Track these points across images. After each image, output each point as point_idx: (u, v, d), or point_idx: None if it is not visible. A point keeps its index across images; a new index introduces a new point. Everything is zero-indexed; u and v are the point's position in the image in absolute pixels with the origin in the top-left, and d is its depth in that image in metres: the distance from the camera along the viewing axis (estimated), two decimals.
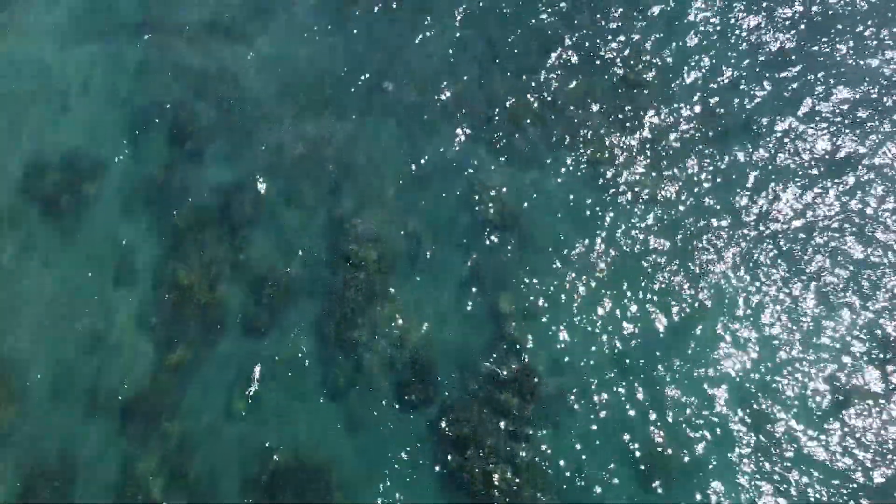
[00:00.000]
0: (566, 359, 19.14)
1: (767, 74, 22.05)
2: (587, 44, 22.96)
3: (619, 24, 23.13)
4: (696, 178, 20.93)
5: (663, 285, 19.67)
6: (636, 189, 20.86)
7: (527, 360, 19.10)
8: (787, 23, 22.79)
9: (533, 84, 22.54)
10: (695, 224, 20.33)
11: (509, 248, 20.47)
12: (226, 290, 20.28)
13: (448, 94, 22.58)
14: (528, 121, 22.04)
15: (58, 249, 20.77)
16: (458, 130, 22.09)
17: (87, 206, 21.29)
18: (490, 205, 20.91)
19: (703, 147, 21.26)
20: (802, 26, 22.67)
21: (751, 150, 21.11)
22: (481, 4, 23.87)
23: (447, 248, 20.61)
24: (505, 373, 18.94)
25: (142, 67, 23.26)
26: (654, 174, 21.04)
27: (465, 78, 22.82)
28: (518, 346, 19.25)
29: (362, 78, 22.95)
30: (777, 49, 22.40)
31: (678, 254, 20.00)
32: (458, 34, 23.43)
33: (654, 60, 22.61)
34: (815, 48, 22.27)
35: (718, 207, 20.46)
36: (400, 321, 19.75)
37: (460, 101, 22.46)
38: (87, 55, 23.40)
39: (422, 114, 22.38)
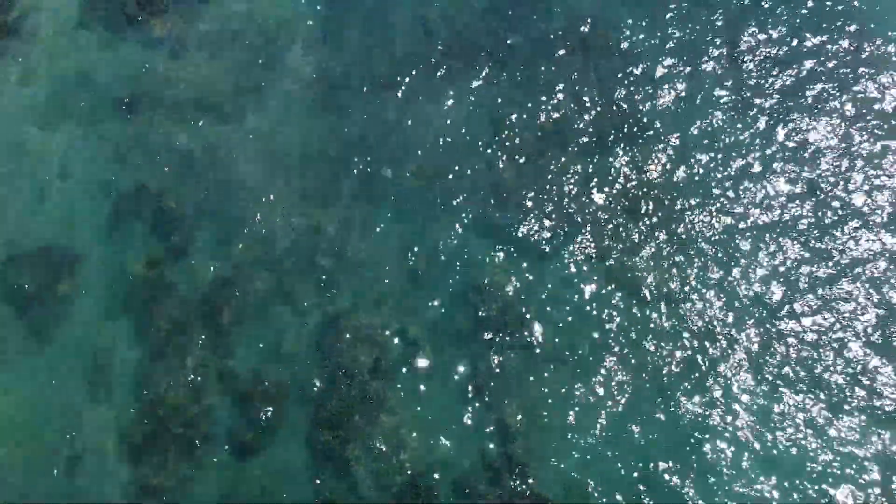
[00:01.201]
0: (577, 477, 17.62)
1: (784, 165, 20.35)
2: (593, 127, 21.33)
3: (628, 104, 21.49)
4: (706, 272, 19.29)
5: (679, 391, 18.09)
6: (645, 283, 19.26)
7: (534, 484, 17.59)
8: (809, 111, 21.06)
9: (538, 168, 20.97)
10: (706, 322, 18.73)
11: (513, 353, 18.94)
12: (211, 401, 18.88)
13: (449, 179, 21.04)
14: (534, 209, 20.46)
15: (30, 356, 19.41)
16: (460, 220, 20.56)
17: (62, 307, 19.92)
18: (493, 303, 19.38)
19: (713, 239, 19.60)
20: (831, 119, 20.95)
21: (764, 244, 19.44)
22: (482, 82, 22.27)
23: (448, 352, 19.11)
24: (513, 499, 17.43)
25: (124, 149, 21.87)
26: (662, 267, 19.43)
27: (467, 162, 21.27)
28: (526, 467, 17.73)
29: (359, 161, 21.45)
30: (798, 139, 20.69)
31: (691, 353, 18.42)
32: (460, 114, 21.88)
33: (665, 145, 20.96)
34: (834, 142, 20.56)
35: (729, 304, 18.81)
36: (398, 435, 18.28)
37: (462, 188, 20.92)
38: (66, 136, 22.04)
39: (421, 201, 20.86)
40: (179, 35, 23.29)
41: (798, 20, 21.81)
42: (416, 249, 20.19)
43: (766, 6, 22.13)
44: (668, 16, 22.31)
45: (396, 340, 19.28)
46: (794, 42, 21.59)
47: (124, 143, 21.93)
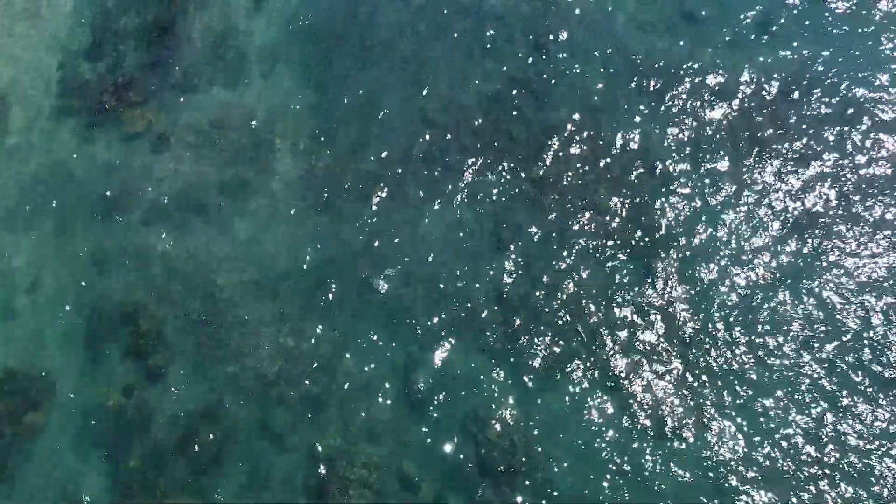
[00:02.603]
0: None
1: (809, 285, 18.46)
2: (600, 229, 19.54)
3: (637, 206, 19.70)
4: (723, 407, 17.45)
5: None
6: (661, 411, 17.47)
7: None
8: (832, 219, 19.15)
9: (543, 278, 19.19)
10: (723, 464, 16.90)
11: (520, 498, 17.17)
12: None
13: (447, 293, 19.30)
14: (540, 327, 18.69)
15: None
16: (460, 338, 18.81)
17: (30, 442, 18.26)
18: (496, 438, 17.62)
19: (732, 366, 17.77)
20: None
21: (786, 370, 17.58)
22: (483, 178, 20.53)
23: (448, 496, 17.36)
24: None
25: (101, 258, 20.24)
26: (679, 399, 17.63)
27: (467, 273, 19.51)
28: None
29: (351, 271, 19.74)
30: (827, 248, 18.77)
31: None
32: (459, 215, 20.14)
33: (679, 252, 19.16)
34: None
35: (747, 448, 16.98)
36: None
37: (462, 301, 19.18)
38: (38, 244, 20.44)
39: (418, 318, 19.12)
40: (160, 129, 21.65)
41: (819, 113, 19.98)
42: (413, 373, 18.45)
43: (784, 102, 20.30)
44: (674, 109, 20.53)
45: (393, 482, 17.54)
46: (813, 142, 19.75)
47: (100, 251, 20.33)
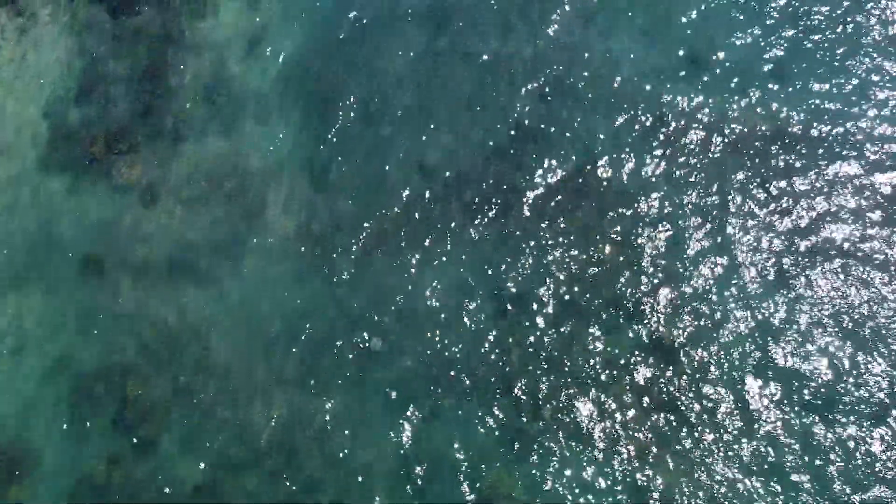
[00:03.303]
0: None
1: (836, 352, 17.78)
2: (609, 292, 18.85)
3: (645, 264, 19.03)
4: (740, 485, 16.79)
5: None
6: (669, 496, 16.79)
7: None
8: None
9: (551, 347, 18.48)
10: None
11: None
12: None
13: (449, 359, 18.58)
14: (548, 402, 17.99)
15: None
16: (462, 410, 18.10)
17: None
18: None
19: (754, 452, 17.05)
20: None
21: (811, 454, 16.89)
22: (486, 234, 19.81)
23: None
24: None
25: (87, 320, 19.48)
26: (692, 480, 16.94)
27: (468, 339, 18.80)
28: None
29: (347, 335, 19.01)
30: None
31: None
32: (461, 275, 19.42)
33: (694, 318, 18.47)
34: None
35: None
36: None
37: (464, 371, 18.46)
38: (22, 305, 19.65)
39: (418, 386, 18.40)
40: (151, 180, 20.89)
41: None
42: (414, 451, 17.73)
43: (797, 152, 19.62)
44: (682, 159, 19.80)
45: None
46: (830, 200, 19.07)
47: (87, 312, 19.57)
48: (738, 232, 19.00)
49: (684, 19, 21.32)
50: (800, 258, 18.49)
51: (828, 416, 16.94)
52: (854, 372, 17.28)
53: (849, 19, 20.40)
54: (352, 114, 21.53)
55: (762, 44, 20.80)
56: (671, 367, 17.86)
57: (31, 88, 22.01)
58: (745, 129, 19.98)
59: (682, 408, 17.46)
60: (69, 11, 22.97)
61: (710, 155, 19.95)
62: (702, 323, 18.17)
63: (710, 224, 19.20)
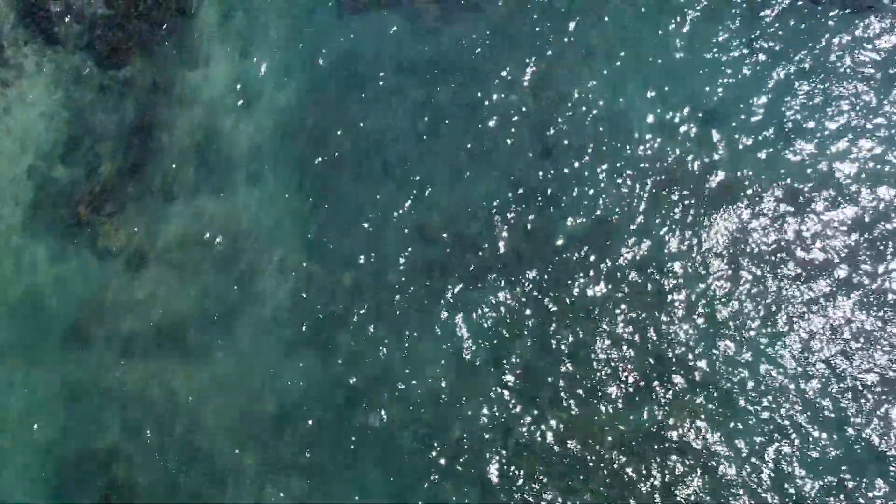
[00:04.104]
0: None
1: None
2: (613, 362, 18.05)
3: (650, 333, 18.20)
4: None
5: None
6: None
7: None
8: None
9: (556, 422, 17.69)
10: None
11: None
12: None
13: (449, 438, 17.79)
14: (555, 483, 17.20)
15: None
16: (465, 490, 17.32)
17: None
18: None
19: None
20: None
21: None
22: (487, 302, 19.01)
23: None
24: None
25: (70, 397, 18.67)
26: None
27: (469, 412, 18.02)
28: None
29: (343, 414, 18.22)
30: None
31: None
32: (458, 347, 18.61)
33: (698, 387, 17.66)
34: None
35: None
36: None
37: (467, 450, 17.67)
38: (1, 380, 18.81)
39: (417, 465, 17.62)
40: (139, 245, 20.05)
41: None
42: None
43: (810, 215, 18.75)
44: (690, 220, 18.97)
45: None
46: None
47: (72, 388, 18.76)
48: (745, 292, 18.19)
49: (694, 74, 20.48)
50: (816, 328, 17.66)
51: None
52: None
53: (868, 76, 19.53)
54: (348, 173, 20.66)
55: (775, 101, 19.94)
56: (685, 456, 17.08)
57: (15, 145, 21.15)
58: (759, 189, 19.18)
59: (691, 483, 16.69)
60: (54, 61, 22.08)
61: (723, 218, 19.15)
62: (710, 393, 17.37)
63: (727, 294, 18.41)
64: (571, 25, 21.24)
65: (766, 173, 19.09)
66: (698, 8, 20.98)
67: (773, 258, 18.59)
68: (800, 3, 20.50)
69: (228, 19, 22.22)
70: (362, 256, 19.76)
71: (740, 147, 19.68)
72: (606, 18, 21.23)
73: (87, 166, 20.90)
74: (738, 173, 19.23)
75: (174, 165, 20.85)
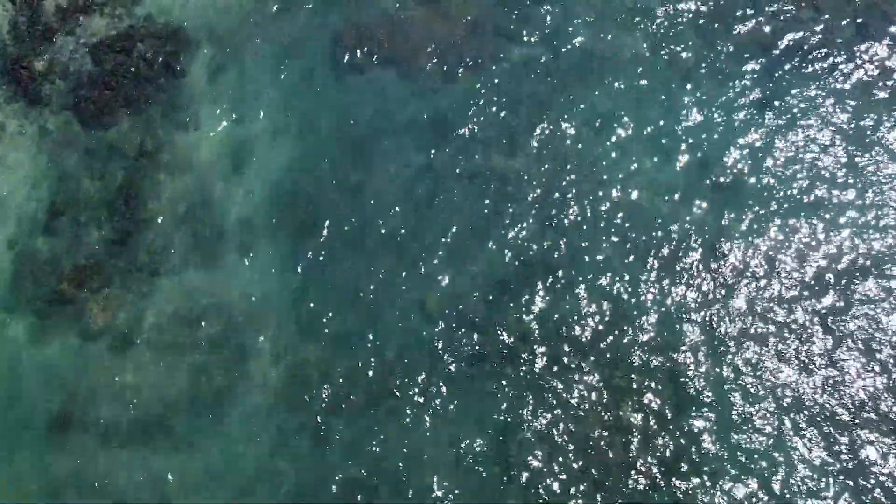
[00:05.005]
0: None
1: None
2: (624, 455, 17.20)
3: (664, 423, 17.35)
4: None
5: None
6: None
7: None
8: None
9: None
10: None
11: None
12: None
13: None
14: None
15: None
16: None
17: None
18: None
19: None
20: None
21: None
22: (488, 387, 18.16)
23: None
24: None
25: (53, 490, 17.78)
26: None
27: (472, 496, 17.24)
28: None
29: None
30: None
31: None
32: (460, 438, 17.77)
33: (711, 482, 16.81)
34: None
35: None
36: None
37: None
38: None
39: None
40: (124, 324, 19.13)
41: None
42: None
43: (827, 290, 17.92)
44: (699, 295, 18.14)
45: None
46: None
47: (52, 480, 17.84)
48: (762, 373, 17.33)
49: (699, 137, 19.70)
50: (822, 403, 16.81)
51: None
52: None
53: (876, 141, 18.75)
54: (344, 245, 19.78)
55: (788, 170, 19.18)
56: None
57: None
58: (771, 254, 18.41)
59: None
60: (38, 122, 21.12)
61: (733, 289, 18.35)
62: (723, 486, 16.53)
63: (727, 364, 17.64)
64: (577, 88, 20.39)
65: (779, 244, 18.35)
66: (707, 71, 20.16)
67: (797, 341, 17.81)
68: (814, 69, 19.71)
69: (220, 78, 21.29)
70: (358, 337, 18.87)
71: (753, 215, 18.90)
72: (614, 81, 20.40)
73: (71, 237, 19.96)
74: (750, 241, 18.48)
75: (162, 237, 19.92)
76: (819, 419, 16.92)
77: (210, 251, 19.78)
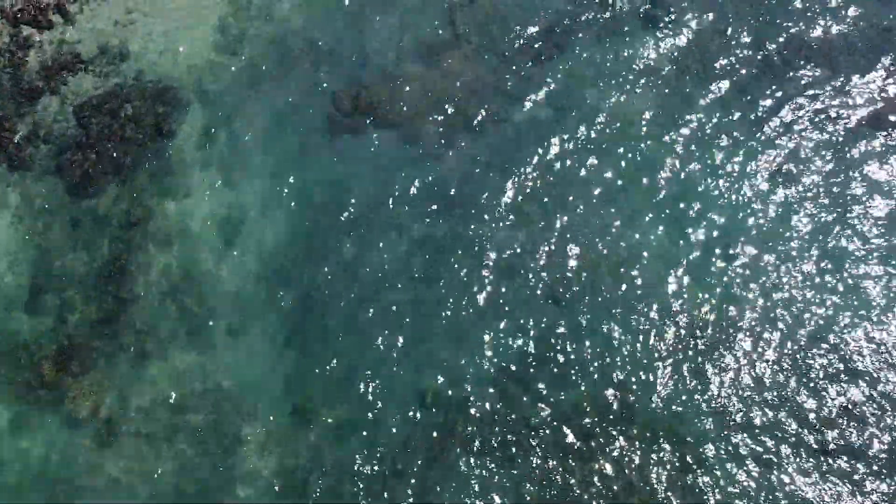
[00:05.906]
0: None
1: None
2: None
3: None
4: None
5: None
6: None
7: None
8: None
9: None
10: None
11: None
12: None
13: None
14: None
15: None
16: None
17: None
18: None
19: None
20: None
21: None
22: (491, 483, 17.20)
23: None
24: None
25: None
26: None
27: None
28: None
29: None
30: None
31: None
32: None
33: None
34: None
35: None
36: None
37: None
38: None
39: None
40: (109, 412, 18.21)
41: None
42: None
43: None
44: (712, 378, 17.16)
45: None
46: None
47: None
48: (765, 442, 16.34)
49: (711, 211, 18.73)
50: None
51: None
52: None
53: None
54: (339, 324, 18.80)
55: (801, 240, 18.21)
56: None
57: None
58: (786, 332, 17.48)
59: None
60: (20, 188, 20.12)
61: (743, 363, 17.43)
62: None
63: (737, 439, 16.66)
64: (584, 156, 19.33)
65: (793, 319, 17.63)
66: (718, 139, 19.15)
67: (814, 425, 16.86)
68: (827, 136, 18.68)
69: (210, 141, 20.27)
70: (355, 425, 17.90)
71: (768, 286, 17.93)
72: (620, 150, 19.34)
73: (54, 317, 19.00)
74: (769, 317, 17.55)
75: (149, 317, 18.93)
76: None
77: (198, 332, 18.84)
